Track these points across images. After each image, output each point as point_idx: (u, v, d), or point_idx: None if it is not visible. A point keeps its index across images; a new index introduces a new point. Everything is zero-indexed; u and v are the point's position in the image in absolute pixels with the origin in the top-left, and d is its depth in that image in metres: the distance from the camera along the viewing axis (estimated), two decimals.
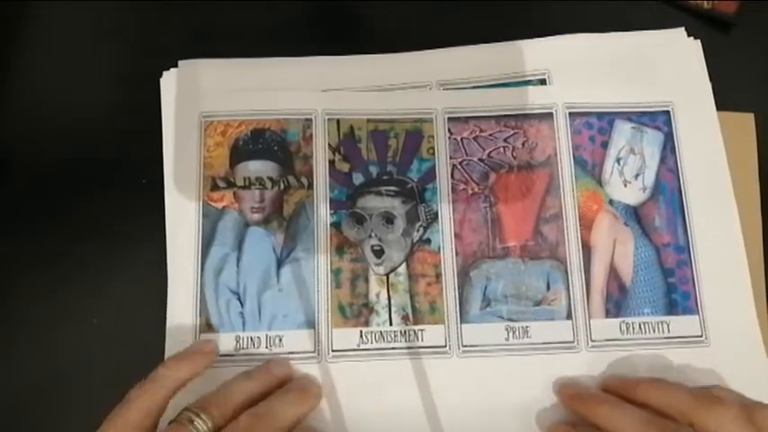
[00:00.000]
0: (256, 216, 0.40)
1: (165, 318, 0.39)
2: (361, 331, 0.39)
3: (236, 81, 0.42)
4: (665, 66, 0.42)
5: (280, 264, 0.40)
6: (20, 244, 0.41)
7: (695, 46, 0.43)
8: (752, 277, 0.39)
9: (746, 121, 0.42)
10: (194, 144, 0.41)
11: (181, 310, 0.39)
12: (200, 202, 0.40)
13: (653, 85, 0.42)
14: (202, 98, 0.42)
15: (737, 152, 0.41)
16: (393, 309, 0.39)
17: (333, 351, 0.38)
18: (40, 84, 0.44)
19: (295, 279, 0.39)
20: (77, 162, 0.42)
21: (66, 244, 0.41)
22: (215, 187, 0.41)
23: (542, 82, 0.42)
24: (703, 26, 0.43)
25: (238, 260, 0.40)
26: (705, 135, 0.41)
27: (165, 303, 0.39)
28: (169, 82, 0.42)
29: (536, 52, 0.42)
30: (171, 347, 0.38)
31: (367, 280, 0.39)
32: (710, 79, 0.42)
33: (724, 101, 0.41)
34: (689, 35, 0.43)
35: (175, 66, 0.42)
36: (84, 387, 0.39)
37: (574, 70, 0.42)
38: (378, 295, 0.39)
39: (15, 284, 0.40)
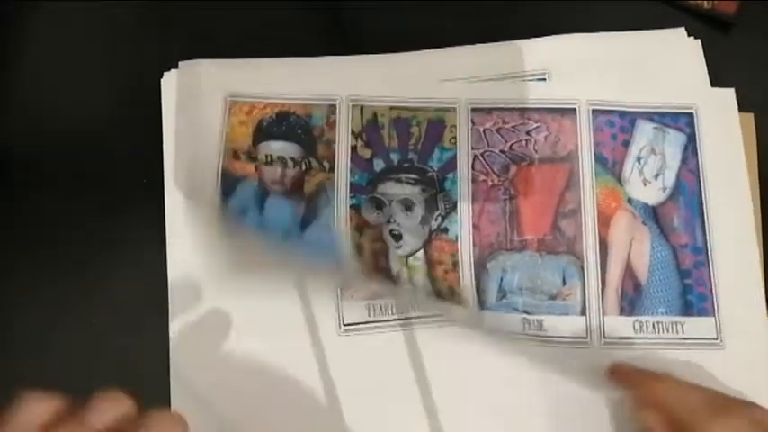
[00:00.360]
0: (277, 188, 0.40)
1: (165, 318, 0.38)
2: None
3: (237, 82, 0.42)
4: (664, 66, 0.42)
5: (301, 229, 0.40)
6: (20, 244, 0.40)
7: (695, 46, 0.43)
8: None
9: (746, 121, 0.42)
10: (218, 121, 0.41)
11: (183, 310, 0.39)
12: (219, 173, 0.40)
13: (652, 85, 0.42)
14: (222, 84, 0.42)
15: None
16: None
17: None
18: (40, 84, 0.43)
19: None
20: (77, 162, 0.42)
21: (66, 244, 0.40)
22: (236, 157, 0.41)
23: (542, 82, 0.42)
24: (703, 26, 0.43)
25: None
26: (725, 136, 0.41)
27: (166, 303, 0.38)
28: (170, 83, 0.42)
29: (535, 52, 0.43)
30: (176, 346, 0.38)
31: (387, 257, 0.39)
32: (710, 79, 0.42)
33: None
34: (689, 35, 0.43)
35: (176, 66, 0.42)
36: (84, 387, 0.38)
37: (573, 70, 0.42)
38: (398, 273, 0.39)
39: (15, 284, 0.40)
